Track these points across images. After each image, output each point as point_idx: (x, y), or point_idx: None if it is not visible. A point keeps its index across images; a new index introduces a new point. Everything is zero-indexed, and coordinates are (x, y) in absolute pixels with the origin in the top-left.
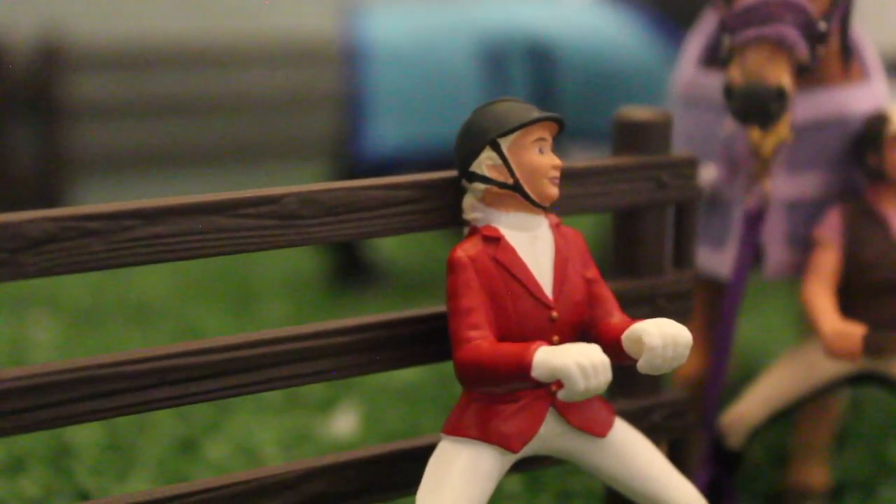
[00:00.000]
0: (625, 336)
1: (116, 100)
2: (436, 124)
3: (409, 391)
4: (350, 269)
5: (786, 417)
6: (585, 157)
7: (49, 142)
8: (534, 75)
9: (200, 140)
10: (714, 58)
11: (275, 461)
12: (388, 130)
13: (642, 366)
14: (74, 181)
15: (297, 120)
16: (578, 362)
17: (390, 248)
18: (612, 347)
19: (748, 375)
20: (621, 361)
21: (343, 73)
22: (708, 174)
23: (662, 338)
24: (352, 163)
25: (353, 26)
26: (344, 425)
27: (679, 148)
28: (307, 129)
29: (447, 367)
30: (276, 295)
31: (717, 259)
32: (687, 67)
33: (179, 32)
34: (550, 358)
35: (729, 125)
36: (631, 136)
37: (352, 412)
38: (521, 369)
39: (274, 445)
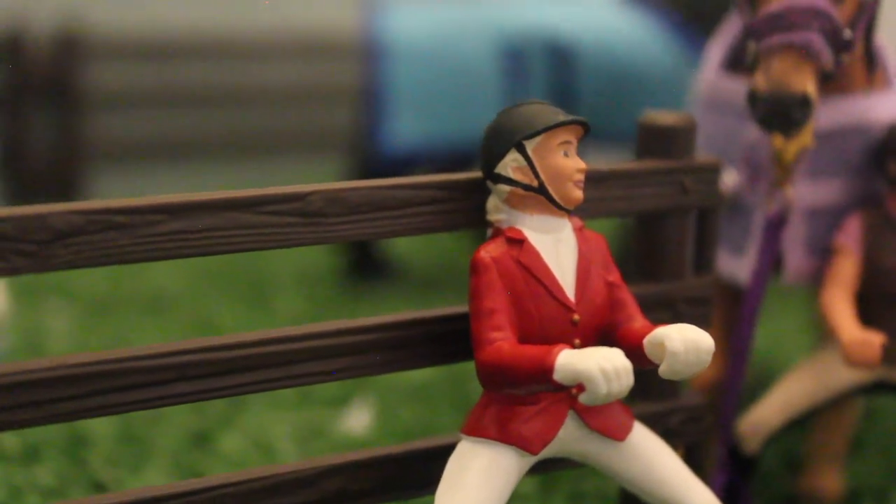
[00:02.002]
0: (647, 340)
1: (135, 90)
2: (454, 121)
3: (423, 389)
4: (364, 265)
5: (802, 424)
6: (604, 159)
7: (67, 131)
8: (553, 75)
9: (218, 131)
10: (737, 63)
11: (288, 456)
12: (406, 127)
13: (664, 371)
14: (92, 171)
15: (316, 114)
16: (601, 366)
17: (405, 245)
18: (634, 352)
19: (763, 380)
20: (642, 366)
21: (363, 68)
22: (729, 179)
23: (684, 343)
24: (369, 158)
25: (374, 21)
26: (357, 422)
27: (699, 152)
28: (325, 123)
29: (460, 366)
30: (291, 289)
31: (736, 264)
32: (709, 72)
33: (199, 23)
34: (573, 361)
35: (752, 131)
36: (655, 141)
37: (365, 409)
38: (544, 372)
39: (288, 440)
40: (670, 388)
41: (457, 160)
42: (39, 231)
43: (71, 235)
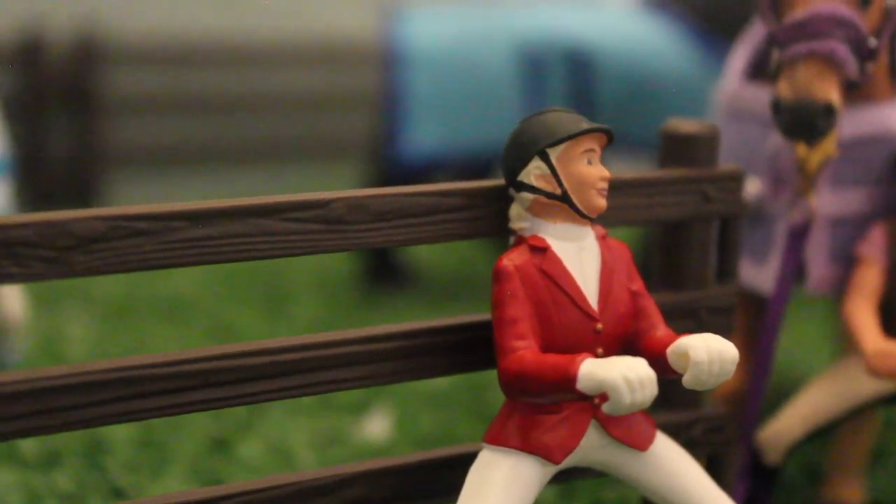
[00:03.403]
0: (670, 350)
1: (152, 95)
2: (473, 128)
3: (442, 397)
4: (383, 271)
5: (823, 435)
6: (622, 167)
7: (85, 137)
8: (572, 82)
9: (236, 137)
10: (759, 71)
11: (308, 462)
12: (425, 133)
13: (688, 380)
14: (110, 176)
15: (334, 120)
16: (625, 376)
17: (423, 252)
18: (657, 361)
19: (784, 390)
20: (666, 375)
21: (382, 75)
22: (752, 188)
23: (709, 353)
24: (388, 165)
25: (393, 28)
26: (376, 429)
27: (722, 161)
28: (344, 129)
29: (480, 373)
30: (308, 295)
31: (758, 273)
32: (732, 80)
33: (217, 29)
34: (597, 371)
35: (774, 140)
36: (678, 149)
37: (384, 416)
38: (567, 381)
39: (307, 447)
40: (692, 397)
41: (475, 167)
42: (61, 237)
43: (93, 242)
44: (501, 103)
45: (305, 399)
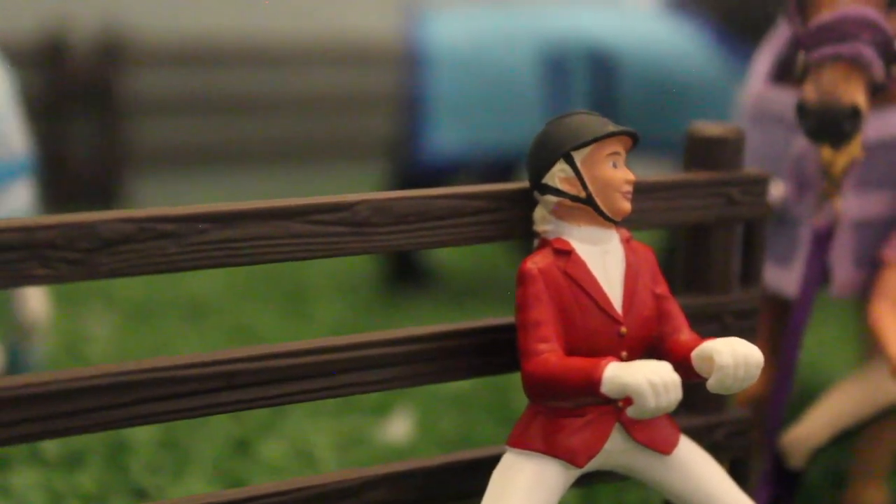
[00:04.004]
0: (695, 354)
1: (175, 96)
2: (495, 130)
3: (463, 399)
4: (404, 272)
5: (847, 439)
6: (644, 170)
7: (108, 137)
8: (595, 83)
9: (259, 138)
10: (784, 74)
11: (329, 464)
12: (447, 134)
13: (712, 385)
14: (133, 177)
15: (356, 121)
16: (650, 380)
17: (445, 254)
18: (681, 365)
19: (807, 393)
20: (690, 379)
21: (404, 77)
22: (776, 191)
23: (734, 357)
24: (410, 165)
25: (416, 29)
26: (398, 430)
27: (746, 163)
28: (366, 130)
29: (502, 376)
30: (329, 296)
31: (783, 277)
32: (756, 82)
33: (239, 30)
34: (621, 374)
35: (799, 142)
36: (702, 152)
37: (406, 417)
38: (591, 385)
39: (328, 448)
40: (716, 401)
41: (497, 169)
42: (86, 239)
43: (118, 244)
44: (524, 105)
45: (327, 401)
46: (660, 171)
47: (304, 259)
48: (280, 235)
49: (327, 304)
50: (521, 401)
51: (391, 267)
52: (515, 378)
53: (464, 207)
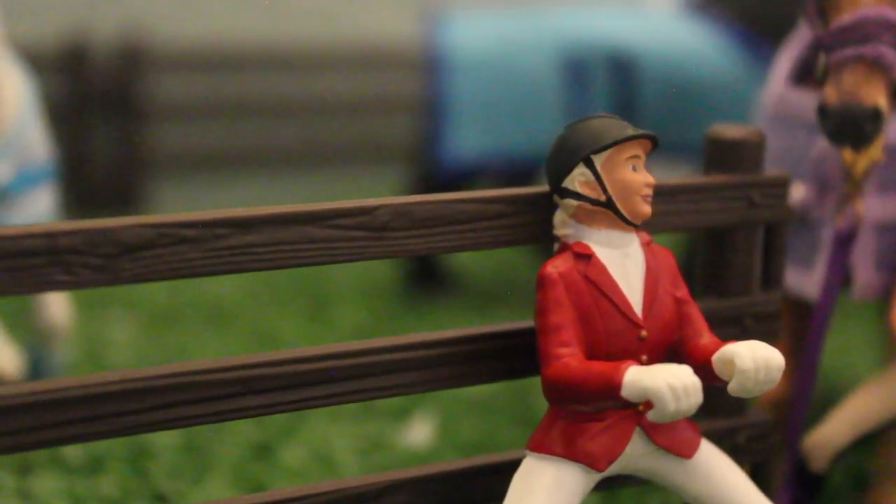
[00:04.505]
0: (715, 357)
1: (196, 101)
2: (515, 133)
3: (484, 402)
4: (424, 277)
5: (869, 442)
6: (665, 172)
7: (129, 142)
8: (615, 87)
9: (279, 142)
10: (804, 75)
11: (350, 469)
12: (467, 138)
13: (733, 388)
14: (154, 182)
15: (376, 125)
16: (670, 384)
17: (465, 258)
18: (702, 368)
19: (828, 396)
20: (711, 383)
21: (424, 80)
22: (797, 193)
23: (755, 360)
24: (431, 170)
25: (436, 33)
26: (419, 435)
27: (766, 165)
28: (386, 134)
29: (522, 380)
30: (350, 301)
31: (804, 280)
32: (776, 84)
33: (260, 35)
34: (641, 378)
35: (820, 144)
36: (723, 154)
37: (427, 422)
38: (611, 389)
39: (349, 453)
40: (737, 404)
41: (518, 173)
42: (108, 244)
43: (140, 249)
44: (544, 108)
45: (347, 405)
46: (680, 175)
47: (325, 264)
48: (300, 240)
49: (348, 309)
50: (541, 405)
51: (411, 271)
52: (536, 382)
53: (484, 212)
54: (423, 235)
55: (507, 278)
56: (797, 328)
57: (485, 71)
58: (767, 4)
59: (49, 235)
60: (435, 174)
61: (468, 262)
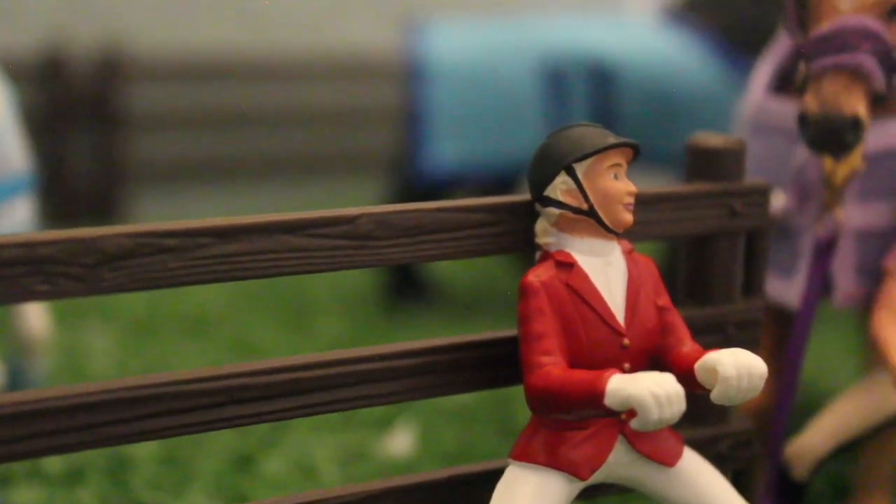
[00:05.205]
0: (698, 365)
1: (175, 111)
2: (496, 143)
3: (465, 412)
4: (404, 286)
5: (850, 449)
6: (645, 182)
7: (108, 152)
8: (595, 96)
9: (258, 153)
10: (784, 84)
11: (332, 479)
12: (447, 148)
13: (716, 396)
14: (133, 192)
15: (356, 135)
16: (653, 392)
17: (445, 267)
18: (685, 376)
19: (810, 403)
20: (693, 390)
21: (404, 90)
22: (777, 202)
23: (737, 368)
24: (410, 180)
25: (415, 42)
26: (400, 444)
27: (747, 174)
28: (366, 144)
29: (504, 389)
30: (331, 310)
31: (785, 288)
32: (756, 93)
33: (239, 45)
34: (624, 386)
35: (800, 153)
36: (704, 163)
37: (408, 431)
38: (594, 397)
39: (330, 463)
40: (719, 412)
41: (498, 183)
42: (88, 254)
43: (120, 259)
44: (524, 118)
45: (329, 415)
46: (659, 184)
47: (307, 273)
48: (282, 249)
49: (328, 318)
50: (523, 414)
51: (391, 281)
52: (517, 391)
53: (465, 220)
54: (405, 244)
55: (487, 288)
56: (778, 336)
57: (464, 81)
58: (745, 14)
59: (28, 245)
60: (414, 184)
61: (448, 271)
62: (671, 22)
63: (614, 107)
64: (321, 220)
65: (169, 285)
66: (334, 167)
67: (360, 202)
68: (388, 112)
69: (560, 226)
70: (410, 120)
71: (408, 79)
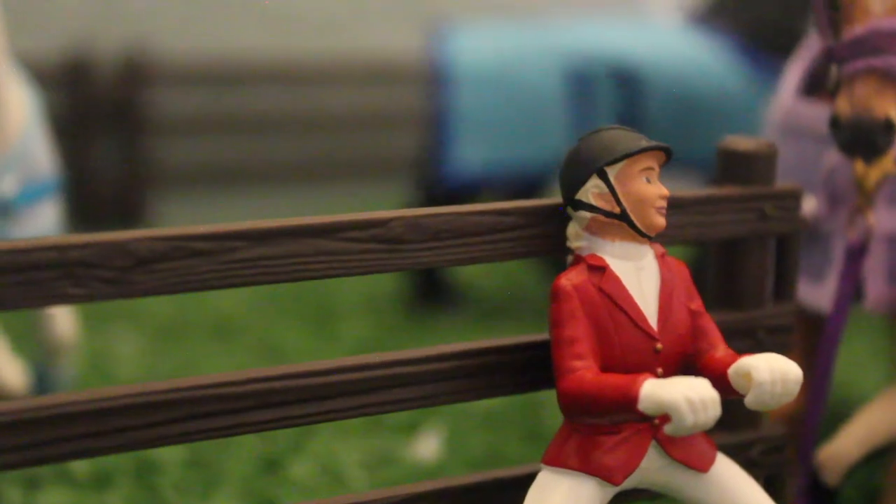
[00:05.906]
0: (732, 370)
1: (199, 115)
2: (520, 147)
3: (492, 416)
4: (431, 291)
5: (881, 455)
6: (670, 186)
7: (132, 157)
8: (620, 99)
9: (283, 157)
10: (814, 87)
11: (358, 483)
12: (472, 152)
13: (750, 401)
14: (157, 196)
15: (381, 139)
16: (687, 397)
17: (471, 271)
18: (718, 381)
19: (841, 409)
20: (726, 396)
21: (428, 94)
22: (808, 206)
23: (772, 373)
24: (435, 184)
25: (440, 46)
26: (427, 449)
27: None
28: (391, 148)
29: (531, 394)
30: (356, 314)
31: (815, 292)
32: (786, 96)
33: (263, 49)
34: (658, 392)
35: (831, 157)
36: (735, 167)
37: (434, 436)
38: (628, 402)
39: (357, 467)
40: (750, 418)
41: (523, 186)
42: (120, 257)
43: (152, 262)
44: (548, 122)
45: (355, 419)
46: (684, 187)
47: (337, 276)
48: (313, 253)
49: (354, 323)
50: (550, 419)
51: (418, 285)
52: (545, 396)
53: (497, 224)
54: (436, 248)
55: (514, 293)
56: (809, 341)
57: (489, 84)
58: (772, 16)
59: (60, 248)
60: (439, 188)
61: (474, 275)
62: (697, 24)
63: (639, 110)
64: (353, 224)
65: (200, 289)
66: (359, 171)
67: (385, 207)
68: (412, 116)
69: (592, 229)
70: (435, 124)
71: (432, 83)
